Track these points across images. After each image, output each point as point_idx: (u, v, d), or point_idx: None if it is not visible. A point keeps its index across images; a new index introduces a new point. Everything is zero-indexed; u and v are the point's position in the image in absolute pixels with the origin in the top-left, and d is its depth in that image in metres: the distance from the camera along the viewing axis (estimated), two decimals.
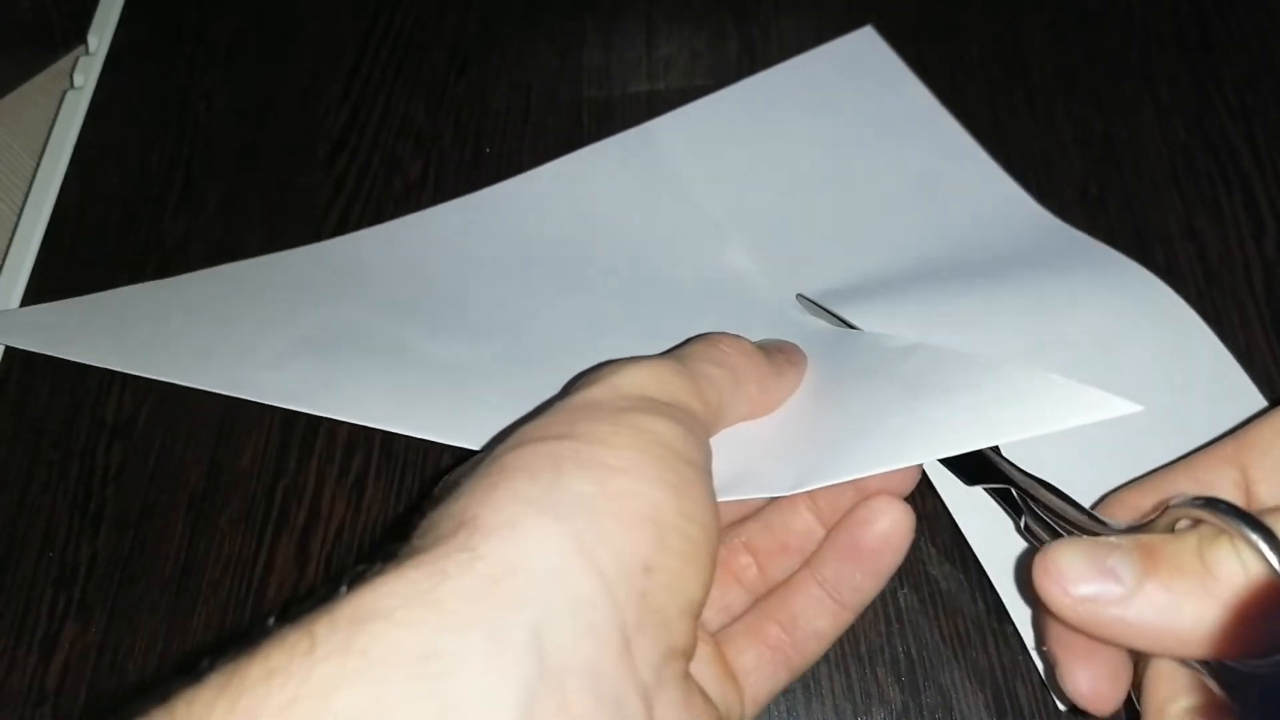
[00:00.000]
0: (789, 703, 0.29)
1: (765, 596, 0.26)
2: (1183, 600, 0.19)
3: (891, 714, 0.29)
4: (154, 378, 0.35)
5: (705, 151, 0.39)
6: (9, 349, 0.38)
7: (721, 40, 0.43)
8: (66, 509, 0.35)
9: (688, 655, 0.20)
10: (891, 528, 0.24)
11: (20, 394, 0.37)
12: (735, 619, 0.26)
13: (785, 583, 0.26)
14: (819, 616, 0.25)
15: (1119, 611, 0.20)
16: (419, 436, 0.32)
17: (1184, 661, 0.22)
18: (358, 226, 0.40)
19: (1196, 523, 0.20)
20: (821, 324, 0.33)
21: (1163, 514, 0.21)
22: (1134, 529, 0.22)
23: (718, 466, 0.24)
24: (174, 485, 0.35)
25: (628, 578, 0.19)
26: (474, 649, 0.17)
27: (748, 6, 0.44)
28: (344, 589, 0.18)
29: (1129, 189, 0.37)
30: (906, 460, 0.23)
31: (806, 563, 0.26)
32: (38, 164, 0.43)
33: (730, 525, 0.27)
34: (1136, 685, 0.24)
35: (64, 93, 0.45)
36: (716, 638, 0.26)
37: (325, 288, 0.37)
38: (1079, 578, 0.20)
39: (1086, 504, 0.24)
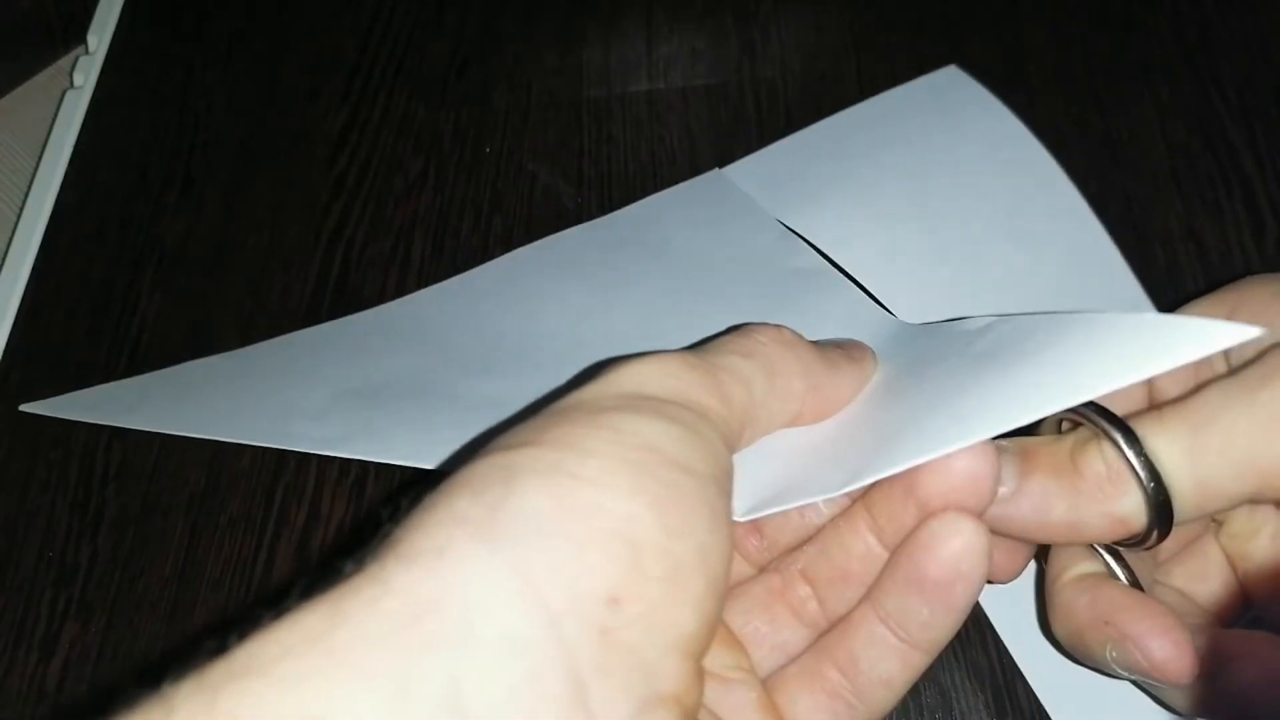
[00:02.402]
0: None
1: (826, 633, 0.23)
2: (1054, 499, 0.21)
3: (891, 714, 0.29)
4: (204, 438, 0.35)
5: (785, 191, 0.38)
6: (9, 348, 0.38)
7: (722, 40, 0.43)
8: (66, 508, 0.35)
9: (682, 703, 0.17)
10: (962, 552, 0.20)
11: (20, 393, 0.37)
12: (793, 659, 0.23)
13: (845, 618, 0.22)
14: (884, 658, 0.22)
15: (1001, 510, 0.21)
16: None
17: None
18: (358, 225, 0.40)
19: (1076, 425, 0.22)
20: (896, 320, 0.30)
21: (1047, 418, 0.23)
22: (1027, 432, 0.23)
23: (765, 478, 0.21)
24: (174, 485, 0.35)
25: (582, 611, 0.16)
26: (370, 708, 0.14)
27: (748, 6, 0.44)
28: (234, 639, 0.15)
29: (1129, 189, 0.37)
30: (974, 435, 0.19)
31: (867, 594, 0.22)
32: (37, 163, 0.43)
33: (786, 552, 0.24)
34: (1043, 556, 0.25)
35: (64, 92, 0.45)
36: (770, 682, 0.23)
37: (377, 346, 0.37)
38: None
39: None
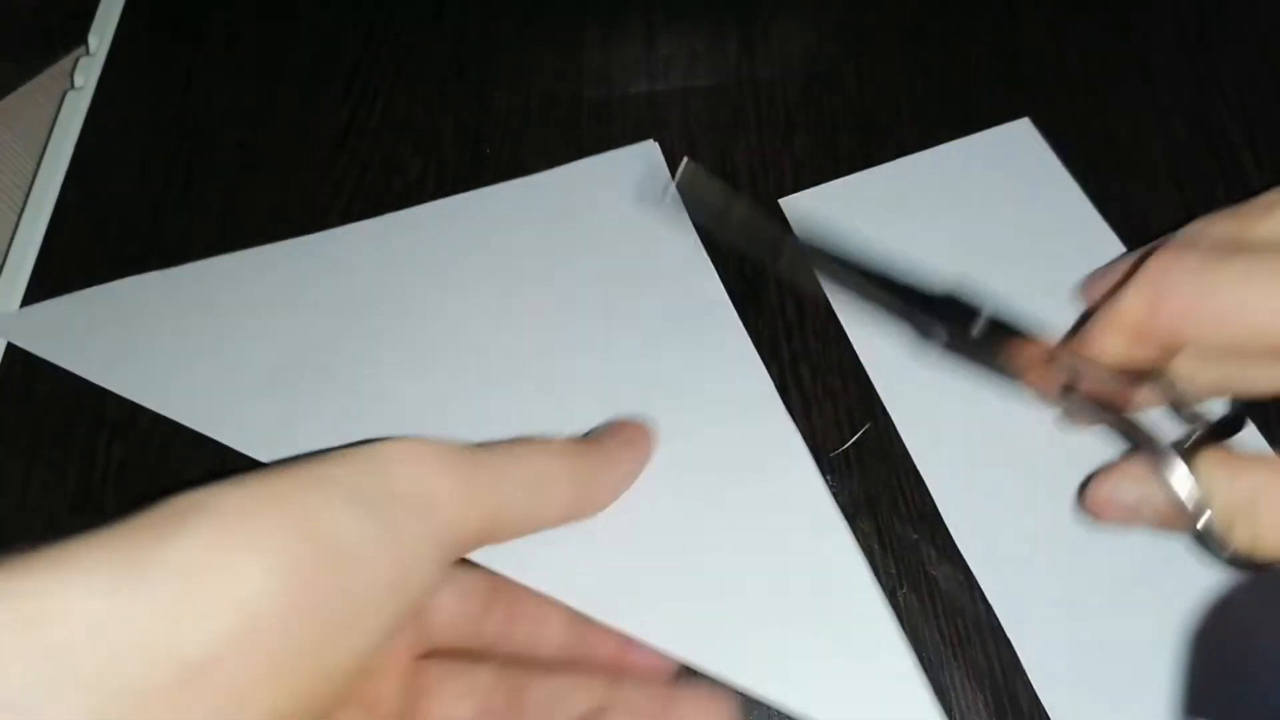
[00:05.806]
0: None
1: None
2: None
3: None
4: (143, 404, 0.36)
5: (845, 223, 0.36)
6: (10, 347, 0.38)
7: (722, 40, 0.43)
8: (66, 509, 0.35)
9: None
10: None
11: (20, 393, 0.37)
12: None
13: None
14: None
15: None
16: None
17: None
18: None
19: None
20: (766, 383, 0.33)
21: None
22: None
23: (525, 545, 0.23)
24: (174, 484, 0.35)
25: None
26: None
27: (748, 6, 0.44)
28: None
29: (1129, 188, 0.37)
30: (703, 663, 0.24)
31: None
32: (38, 165, 0.43)
33: (514, 664, 0.25)
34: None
35: (64, 93, 0.45)
36: None
37: (307, 296, 0.37)
38: None
39: None
